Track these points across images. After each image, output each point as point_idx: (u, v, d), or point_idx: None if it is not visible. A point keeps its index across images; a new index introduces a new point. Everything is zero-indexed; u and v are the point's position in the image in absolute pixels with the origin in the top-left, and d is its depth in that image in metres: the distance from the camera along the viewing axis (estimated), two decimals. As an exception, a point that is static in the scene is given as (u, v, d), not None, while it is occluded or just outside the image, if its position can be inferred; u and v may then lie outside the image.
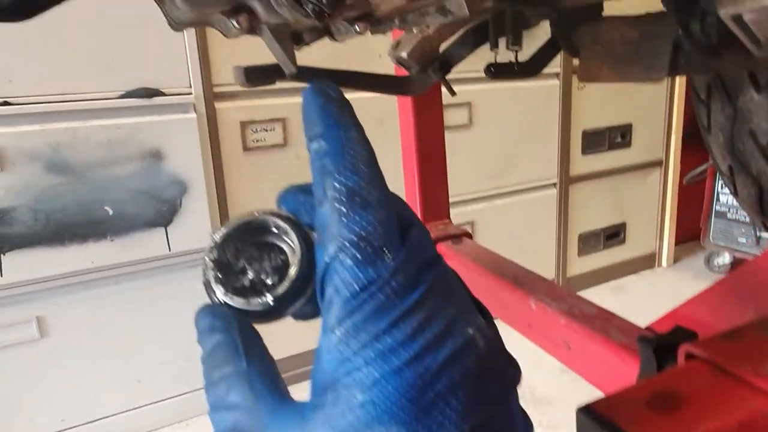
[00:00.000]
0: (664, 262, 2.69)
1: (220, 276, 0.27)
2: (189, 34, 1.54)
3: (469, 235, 0.91)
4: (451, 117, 1.98)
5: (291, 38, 0.48)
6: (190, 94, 1.57)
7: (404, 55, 0.76)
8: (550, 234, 2.35)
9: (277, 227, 0.28)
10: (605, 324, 0.58)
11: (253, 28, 0.47)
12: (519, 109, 2.13)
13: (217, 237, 0.28)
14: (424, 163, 0.88)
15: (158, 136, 1.53)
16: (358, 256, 0.22)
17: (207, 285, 0.27)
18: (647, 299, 2.36)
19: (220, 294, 0.27)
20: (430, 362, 0.21)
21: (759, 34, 0.31)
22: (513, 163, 2.17)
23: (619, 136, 2.40)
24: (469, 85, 2.00)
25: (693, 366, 0.36)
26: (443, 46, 0.79)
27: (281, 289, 0.27)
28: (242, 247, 0.28)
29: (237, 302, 0.27)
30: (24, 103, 1.38)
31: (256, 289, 0.27)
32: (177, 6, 0.43)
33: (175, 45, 1.53)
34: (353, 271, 0.22)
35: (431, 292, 0.23)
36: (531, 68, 0.70)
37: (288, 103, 1.71)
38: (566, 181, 2.30)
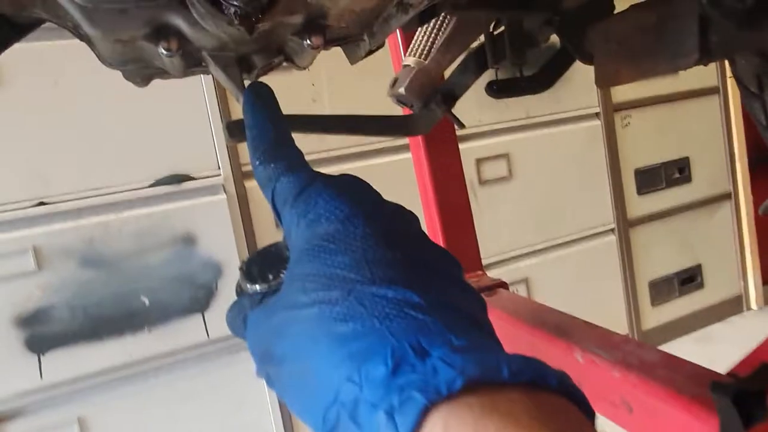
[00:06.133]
0: (753, 305, 2.40)
1: (245, 276, 0.37)
2: (214, 116, 1.55)
3: (506, 286, 0.80)
4: (488, 170, 1.90)
5: (239, 64, 0.42)
6: (219, 175, 1.57)
7: (402, 91, 0.70)
8: (616, 284, 2.15)
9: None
10: (671, 372, 0.45)
11: (192, 57, 0.41)
12: (561, 154, 2.03)
13: (245, 259, 0.39)
14: (445, 208, 0.80)
15: (189, 220, 1.52)
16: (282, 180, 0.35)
17: (237, 284, 0.39)
18: (740, 349, 2.08)
19: (245, 285, 0.37)
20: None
21: None
22: (562, 212, 2.04)
23: (676, 172, 2.23)
24: (504, 136, 1.93)
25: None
26: (444, 78, 0.72)
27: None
28: (263, 261, 0.38)
29: (254, 287, 0.36)
30: (58, 202, 1.41)
31: (266, 278, 0.37)
32: (93, 40, 0.38)
33: (201, 129, 1.55)
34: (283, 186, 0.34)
35: (312, 187, 0.33)
36: (541, 82, 0.62)
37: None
38: (625, 225, 2.13)
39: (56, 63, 1.39)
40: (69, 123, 1.41)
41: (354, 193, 0.33)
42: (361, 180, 0.36)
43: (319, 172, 0.36)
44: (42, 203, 1.40)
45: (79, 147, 1.43)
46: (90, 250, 1.43)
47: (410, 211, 0.35)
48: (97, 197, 1.44)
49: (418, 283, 0.27)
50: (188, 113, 1.52)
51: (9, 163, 1.37)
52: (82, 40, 0.42)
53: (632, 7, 0.54)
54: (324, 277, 0.28)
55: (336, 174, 0.36)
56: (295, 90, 1.65)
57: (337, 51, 0.50)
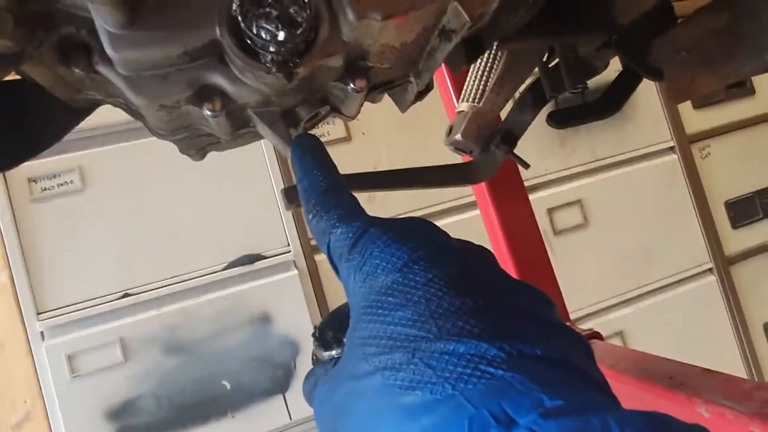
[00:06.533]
0: None
1: (319, 343, 0.36)
2: (281, 197, 1.59)
3: (600, 337, 0.72)
4: (562, 218, 1.81)
5: (284, 118, 0.41)
6: (289, 251, 1.59)
7: (459, 137, 0.68)
8: (724, 329, 1.94)
9: None
10: (826, 418, 0.37)
11: (238, 117, 0.41)
12: (638, 194, 1.91)
13: (318, 324, 0.37)
14: (519, 256, 0.74)
15: (264, 298, 1.53)
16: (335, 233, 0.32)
17: (313, 353, 0.37)
18: None
19: (320, 352, 0.36)
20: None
21: None
22: (649, 256, 1.89)
23: (773, 199, 2.04)
24: (574, 182, 1.85)
25: None
26: (501, 119, 0.69)
27: None
28: (336, 324, 0.36)
29: (330, 354, 0.35)
30: (141, 292, 1.46)
31: (342, 342, 0.35)
32: (141, 111, 0.38)
33: (268, 207, 1.58)
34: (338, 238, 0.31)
35: (366, 236, 0.30)
36: (606, 106, 0.57)
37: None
38: (723, 262, 1.95)
39: (131, 161, 1.49)
40: (145, 215, 1.49)
41: (414, 235, 0.30)
42: (424, 220, 0.33)
43: (375, 218, 0.32)
44: (126, 294, 1.46)
45: (156, 237, 1.50)
46: (172, 337, 1.46)
47: (482, 247, 0.31)
48: (176, 284, 1.49)
49: (495, 331, 0.23)
50: (255, 193, 1.57)
51: (96, 259, 1.45)
52: (133, 116, 0.42)
53: (698, 10, 0.50)
54: (385, 338, 0.24)
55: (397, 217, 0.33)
56: (355, 159, 1.67)
57: (391, 114, 0.48)
